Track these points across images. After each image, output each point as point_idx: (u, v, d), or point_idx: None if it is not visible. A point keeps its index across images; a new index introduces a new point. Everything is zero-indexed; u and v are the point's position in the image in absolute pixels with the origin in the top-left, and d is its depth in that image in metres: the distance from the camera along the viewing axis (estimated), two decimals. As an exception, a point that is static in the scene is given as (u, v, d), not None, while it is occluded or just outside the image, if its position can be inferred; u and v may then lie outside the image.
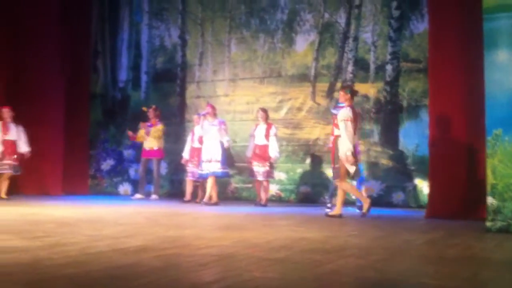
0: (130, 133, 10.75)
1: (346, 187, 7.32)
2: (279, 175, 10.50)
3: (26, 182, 10.77)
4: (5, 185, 9.61)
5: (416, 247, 4.50)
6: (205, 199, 9.13)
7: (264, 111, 9.51)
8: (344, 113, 7.12)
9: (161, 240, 4.33)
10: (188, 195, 9.93)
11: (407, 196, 9.57)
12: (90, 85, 12.39)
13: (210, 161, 9.06)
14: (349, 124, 7.04)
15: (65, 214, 6.77)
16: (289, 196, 10.53)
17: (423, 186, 9.26)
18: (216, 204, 9.02)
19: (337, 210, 7.24)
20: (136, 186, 11.26)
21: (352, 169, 7.09)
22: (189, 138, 10.15)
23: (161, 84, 12.01)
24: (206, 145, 9.21)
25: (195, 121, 9.80)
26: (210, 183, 9.10)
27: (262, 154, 9.25)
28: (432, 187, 7.68)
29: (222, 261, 3.44)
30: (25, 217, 6.14)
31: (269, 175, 9.36)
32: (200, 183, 9.80)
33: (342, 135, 7.05)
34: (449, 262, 3.74)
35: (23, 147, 9.76)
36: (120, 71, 12.46)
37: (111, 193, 11.88)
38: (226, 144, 9.15)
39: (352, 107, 7.30)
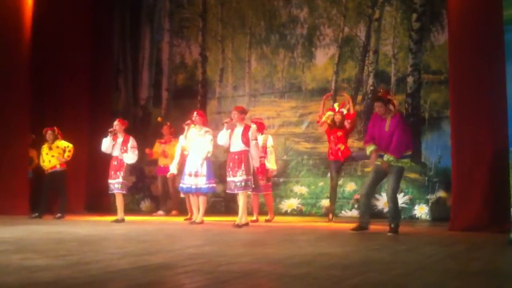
0: (148, 150, 10.69)
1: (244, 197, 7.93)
2: (301, 189, 10.49)
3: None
4: (118, 205, 8.82)
5: (438, 261, 4.45)
6: (198, 219, 8.26)
7: (259, 123, 8.81)
8: (254, 133, 7.95)
9: (182, 257, 4.34)
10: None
11: (430, 208, 9.48)
12: (112, 103, 12.51)
13: (196, 176, 8.20)
14: (256, 142, 7.96)
15: (88, 232, 6.82)
16: (310, 210, 10.49)
17: (446, 198, 9.17)
18: (200, 223, 8.20)
19: (244, 219, 7.83)
20: (157, 202, 11.32)
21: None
22: (177, 152, 9.27)
23: (182, 100, 12.06)
24: (190, 156, 8.40)
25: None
26: (201, 201, 8.30)
27: (260, 167, 8.43)
28: (455, 199, 7.59)
29: (243, 278, 3.44)
30: (49, 236, 6.20)
31: (267, 188, 8.84)
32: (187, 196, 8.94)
33: (253, 152, 7.87)
34: (472, 276, 3.70)
35: (126, 158, 8.77)
36: (141, 89, 12.55)
37: (133, 210, 11.91)
38: (203, 155, 8.22)
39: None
